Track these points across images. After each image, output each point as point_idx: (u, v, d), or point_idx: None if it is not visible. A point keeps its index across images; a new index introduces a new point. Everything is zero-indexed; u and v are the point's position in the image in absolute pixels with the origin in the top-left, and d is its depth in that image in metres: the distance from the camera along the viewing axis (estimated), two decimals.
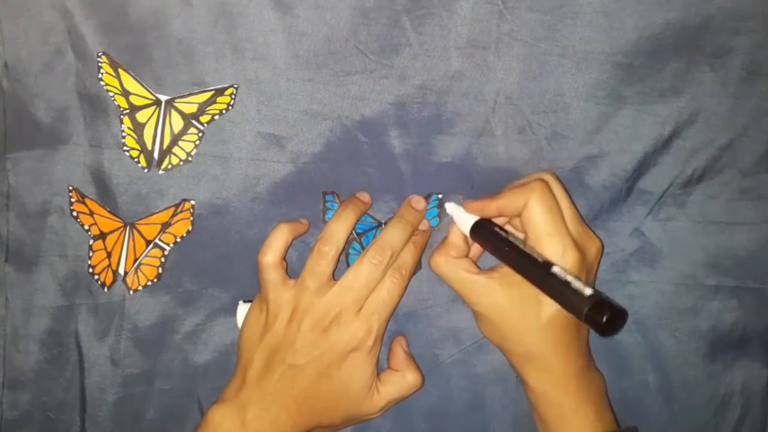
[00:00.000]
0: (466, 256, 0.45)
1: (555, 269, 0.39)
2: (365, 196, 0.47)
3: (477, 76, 0.46)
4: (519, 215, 0.42)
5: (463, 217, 0.44)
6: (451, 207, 0.46)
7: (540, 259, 0.40)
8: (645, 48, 0.45)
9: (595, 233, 0.44)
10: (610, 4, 0.45)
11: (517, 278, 0.41)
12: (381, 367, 0.46)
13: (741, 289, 0.48)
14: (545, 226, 0.41)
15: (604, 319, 0.36)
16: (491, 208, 0.43)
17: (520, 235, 0.44)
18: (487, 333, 0.45)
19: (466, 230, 0.44)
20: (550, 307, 0.41)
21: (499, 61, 0.46)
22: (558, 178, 0.44)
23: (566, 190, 0.44)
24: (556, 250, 0.41)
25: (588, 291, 0.37)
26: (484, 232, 0.43)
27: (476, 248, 0.46)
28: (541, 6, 0.45)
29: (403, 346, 0.47)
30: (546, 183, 0.42)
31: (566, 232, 0.41)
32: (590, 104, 0.46)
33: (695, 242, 0.48)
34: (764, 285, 0.48)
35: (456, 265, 0.44)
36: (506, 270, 0.42)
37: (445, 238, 0.45)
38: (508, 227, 0.45)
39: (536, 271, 0.40)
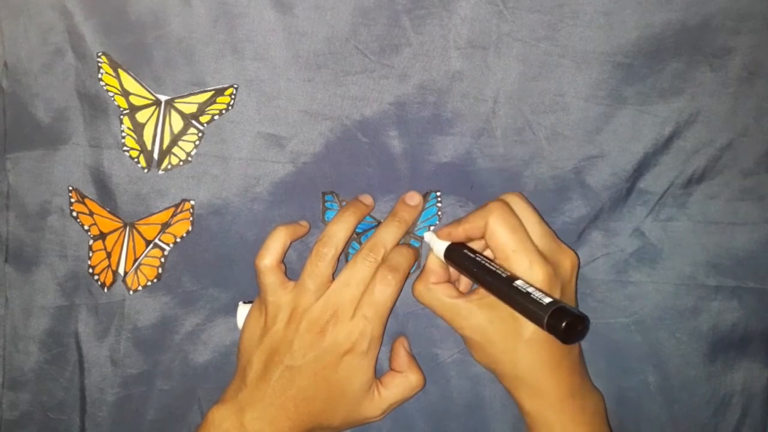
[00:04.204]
0: (447, 281, 0.45)
1: (517, 282, 0.39)
2: (368, 199, 0.47)
3: (477, 76, 0.46)
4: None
5: (438, 244, 0.45)
6: (428, 236, 0.46)
7: (504, 275, 0.40)
8: (645, 48, 0.45)
9: (570, 247, 0.44)
10: (610, 4, 0.45)
11: (494, 298, 0.41)
12: (382, 368, 0.46)
13: (741, 289, 0.48)
14: (509, 244, 0.41)
15: (563, 326, 0.36)
16: (458, 231, 0.44)
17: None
18: (478, 358, 0.45)
19: (442, 256, 0.44)
20: (528, 323, 0.40)
21: (499, 61, 0.46)
22: (524, 198, 0.44)
23: (534, 207, 0.44)
24: (522, 265, 0.41)
25: (547, 300, 0.37)
26: (455, 255, 0.44)
27: (466, 280, 0.46)
28: (541, 6, 0.45)
29: (406, 346, 0.47)
30: (505, 203, 0.43)
31: (531, 247, 0.41)
32: (590, 104, 0.46)
33: (696, 242, 0.48)
34: (764, 285, 0.48)
35: (436, 291, 0.44)
36: (483, 291, 0.42)
37: (424, 266, 0.46)
38: (488, 252, 0.45)
39: (500, 286, 0.40)
